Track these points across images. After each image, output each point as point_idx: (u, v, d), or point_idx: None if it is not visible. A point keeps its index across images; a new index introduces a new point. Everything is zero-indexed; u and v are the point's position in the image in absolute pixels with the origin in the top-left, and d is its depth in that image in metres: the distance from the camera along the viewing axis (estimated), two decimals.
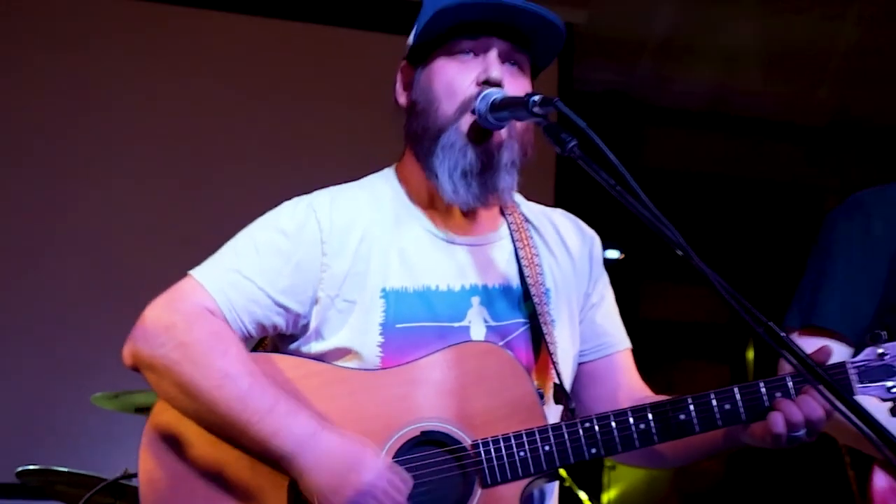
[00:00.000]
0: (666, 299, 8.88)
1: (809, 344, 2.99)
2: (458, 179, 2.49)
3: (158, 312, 2.47)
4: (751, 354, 8.65)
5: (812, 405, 2.36)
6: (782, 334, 2.17)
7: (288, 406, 2.36)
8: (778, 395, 2.40)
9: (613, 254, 8.42)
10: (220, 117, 7.21)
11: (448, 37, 2.51)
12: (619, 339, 2.78)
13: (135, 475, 3.94)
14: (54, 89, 6.97)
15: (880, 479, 3.07)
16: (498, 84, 2.47)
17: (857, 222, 3.29)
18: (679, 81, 8.64)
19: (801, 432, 2.36)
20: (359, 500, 2.30)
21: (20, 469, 5.03)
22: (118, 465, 4.90)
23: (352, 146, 5.83)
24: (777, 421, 2.35)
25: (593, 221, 7.97)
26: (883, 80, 7.79)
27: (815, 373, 2.17)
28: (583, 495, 5.88)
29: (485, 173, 2.50)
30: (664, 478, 8.11)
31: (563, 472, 5.63)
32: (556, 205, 7.69)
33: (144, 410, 4.89)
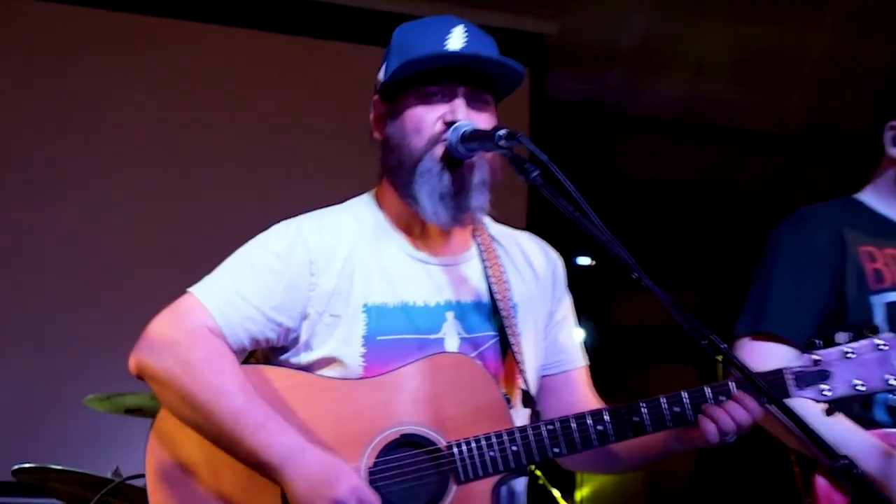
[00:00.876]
0: (638, 304, 8.91)
1: (760, 348, 3.31)
2: (437, 202, 2.69)
3: (162, 329, 2.65)
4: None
5: (739, 410, 2.57)
6: (723, 346, 2.40)
7: (277, 423, 2.56)
8: (722, 398, 2.60)
9: (585, 261, 8.52)
10: (205, 126, 7.35)
11: (417, 80, 2.70)
12: (577, 357, 3.01)
13: (138, 475, 4.13)
14: (42, 98, 7.09)
15: (822, 484, 3.25)
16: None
17: (802, 237, 3.46)
18: (650, 91, 8.71)
19: (730, 436, 2.57)
20: None
21: (16, 467, 5.09)
22: (110, 464, 5.02)
23: (339, 157, 5.99)
24: (708, 426, 2.57)
25: (568, 229, 8.20)
26: (852, 89, 7.81)
27: (754, 380, 2.42)
28: (556, 493, 6.04)
29: (459, 195, 2.69)
30: (635, 476, 8.17)
31: (537, 471, 5.83)
32: (531, 213, 7.84)
33: (135, 411, 5.12)
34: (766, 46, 8.22)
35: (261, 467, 2.57)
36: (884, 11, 7.77)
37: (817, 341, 2.69)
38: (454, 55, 2.71)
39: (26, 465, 5.09)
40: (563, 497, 6.09)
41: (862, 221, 3.51)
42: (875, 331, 2.68)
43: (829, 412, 2.65)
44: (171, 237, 7.14)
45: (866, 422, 3.26)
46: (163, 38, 7.43)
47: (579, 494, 8.08)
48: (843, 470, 2.31)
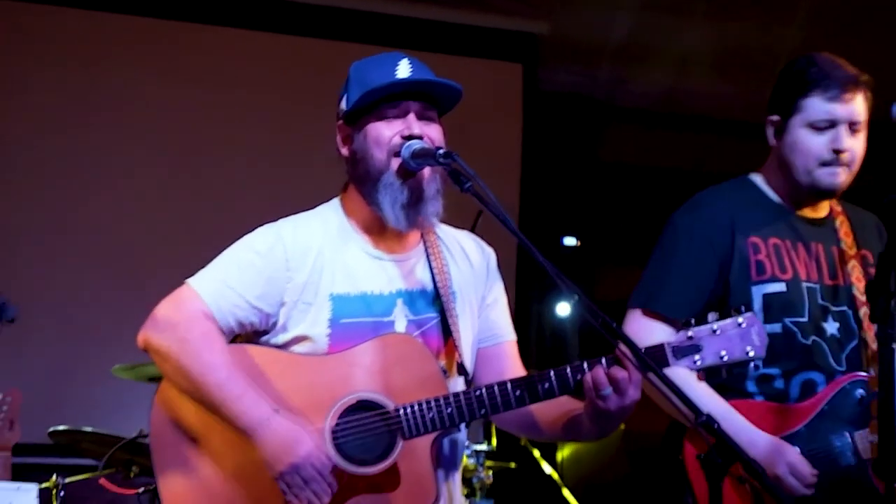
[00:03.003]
0: (619, 281, 9.16)
1: (647, 324, 3.69)
2: (399, 211, 3.16)
3: (165, 312, 3.13)
4: None
5: (616, 369, 2.96)
6: (613, 324, 2.84)
7: (252, 395, 3.02)
8: (614, 366, 2.96)
9: (571, 241, 8.85)
10: (219, 123, 7.77)
11: (375, 105, 3.19)
12: (506, 332, 3.44)
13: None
14: (71, 97, 7.53)
15: (689, 449, 3.62)
16: (419, 137, 3.16)
17: (698, 224, 3.76)
18: (636, 83, 8.96)
19: (608, 390, 2.95)
20: (293, 469, 2.97)
21: (51, 429, 5.49)
22: (135, 426, 5.39)
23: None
24: (586, 381, 2.98)
25: (555, 213, 8.92)
26: None
27: (638, 352, 2.90)
28: (537, 453, 6.39)
29: (417, 204, 3.18)
30: (614, 437, 8.15)
31: None
32: (521, 198, 8.30)
33: (157, 380, 5.05)
34: (743, 42, 8.45)
35: (238, 430, 3.02)
36: (850, 10, 8.02)
37: (692, 320, 3.04)
38: (405, 81, 3.18)
39: (60, 428, 5.49)
40: (543, 457, 6.51)
41: (753, 207, 3.79)
42: (738, 311, 3.03)
43: (700, 378, 3.06)
44: (190, 223, 7.56)
45: (738, 392, 3.68)
46: (182, 41, 7.85)
47: (560, 454, 8.28)
48: (705, 424, 2.72)
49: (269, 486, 3.06)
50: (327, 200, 3.42)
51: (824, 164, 3.70)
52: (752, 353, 3.03)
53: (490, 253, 3.49)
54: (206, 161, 7.83)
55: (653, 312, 3.72)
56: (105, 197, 7.60)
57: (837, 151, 3.68)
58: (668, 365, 3.02)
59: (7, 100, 7.52)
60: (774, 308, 3.70)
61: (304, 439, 3.02)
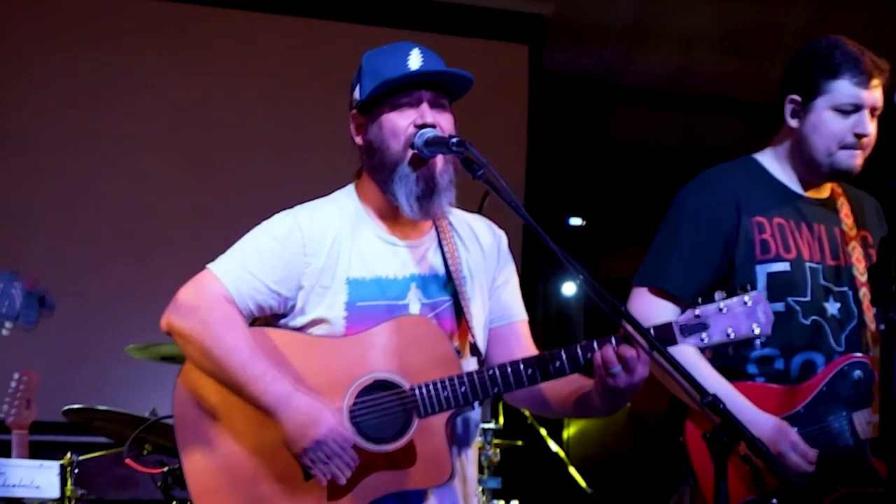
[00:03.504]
0: (623, 260, 9.16)
1: (653, 302, 3.74)
2: (413, 202, 3.24)
3: (187, 297, 3.21)
4: None
5: (625, 348, 3.02)
6: (621, 307, 2.90)
7: (273, 374, 3.10)
8: (623, 344, 3.03)
9: (577, 221, 8.93)
10: (235, 105, 7.84)
11: (389, 95, 3.26)
12: (517, 312, 3.50)
13: (167, 416, 4.55)
14: (95, 77, 7.61)
15: (690, 427, 3.72)
16: (432, 126, 3.23)
17: (705, 201, 3.81)
18: (641, 63, 9.00)
19: (617, 368, 3.02)
20: (316, 445, 3.04)
21: (66, 408, 5.53)
22: (147, 404, 5.56)
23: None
24: (596, 359, 3.05)
25: (561, 192, 8.96)
26: None
27: (645, 332, 2.96)
28: (543, 432, 6.44)
29: (431, 196, 3.25)
30: (620, 416, 8.24)
31: (525, 411, 6.38)
32: (527, 178, 8.36)
33: (168, 359, 5.40)
34: (748, 21, 8.48)
35: (261, 410, 3.11)
36: None
37: (699, 299, 3.10)
38: (418, 73, 3.25)
39: (74, 406, 5.54)
40: (550, 436, 6.57)
41: (758, 186, 3.84)
42: (745, 290, 3.09)
43: (707, 356, 3.16)
44: (205, 206, 7.65)
45: (739, 374, 3.73)
46: (201, 24, 7.95)
47: (566, 433, 8.36)
48: (711, 404, 2.79)
49: (289, 463, 3.15)
50: (343, 186, 3.49)
51: (845, 146, 3.76)
52: (758, 331, 3.10)
53: (501, 235, 3.56)
54: (223, 144, 7.90)
55: (659, 290, 3.77)
56: (120, 179, 7.67)
57: (859, 136, 3.76)
58: (675, 343, 3.09)
59: (27, 82, 7.59)
60: (777, 287, 3.75)
61: (325, 416, 3.10)
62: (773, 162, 3.92)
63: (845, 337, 3.81)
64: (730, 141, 9.06)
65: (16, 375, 5.21)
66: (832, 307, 3.80)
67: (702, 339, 3.11)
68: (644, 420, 8.57)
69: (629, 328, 3.02)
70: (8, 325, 3.03)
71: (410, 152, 3.24)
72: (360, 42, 7.57)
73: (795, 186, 3.90)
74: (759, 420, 3.62)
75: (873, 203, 4.02)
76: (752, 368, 3.77)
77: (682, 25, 8.61)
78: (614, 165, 9.10)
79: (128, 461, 5.25)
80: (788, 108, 3.83)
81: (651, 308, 3.73)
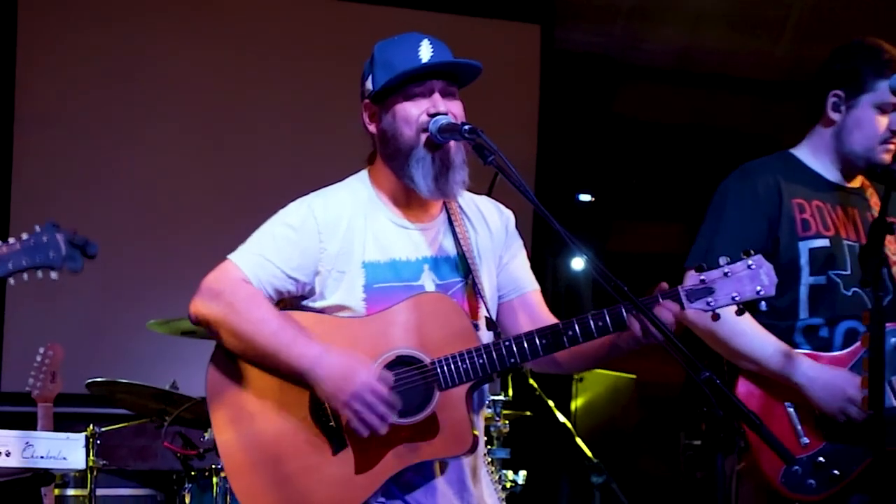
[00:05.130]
0: (631, 235, 9.38)
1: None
2: (431, 182, 3.35)
3: (210, 285, 3.32)
4: None
5: (663, 313, 3.17)
6: (625, 288, 3.03)
7: (304, 338, 3.22)
8: (633, 312, 3.18)
9: (586, 197, 9.06)
10: (255, 83, 7.97)
11: (401, 85, 3.38)
12: (528, 283, 3.62)
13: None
14: (114, 56, 7.75)
15: (742, 385, 3.91)
16: (444, 114, 3.35)
17: (747, 187, 4.00)
18: (650, 41, 9.06)
19: (652, 336, 3.14)
20: (355, 396, 3.13)
21: (89, 381, 5.72)
22: (168, 377, 5.77)
23: None
24: (635, 326, 3.18)
25: (571, 169, 9.06)
26: (835, 38, 7.96)
27: (647, 313, 3.09)
28: (551, 403, 6.55)
29: (447, 173, 3.37)
30: (627, 387, 8.51)
31: (534, 383, 6.47)
32: (538, 155, 8.40)
33: (188, 334, 5.51)
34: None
35: (295, 374, 3.22)
36: None
37: (704, 265, 3.25)
38: (430, 65, 3.38)
39: (98, 379, 5.72)
40: (558, 407, 6.68)
41: (796, 175, 4.05)
42: (748, 253, 3.25)
43: (738, 313, 3.28)
44: (226, 184, 7.78)
45: (787, 343, 3.90)
46: (224, 3, 8.09)
47: (574, 405, 8.41)
48: (707, 380, 2.92)
49: (317, 440, 3.29)
50: (358, 169, 3.61)
51: (882, 142, 3.99)
52: (762, 293, 3.25)
53: (508, 215, 3.68)
54: (244, 122, 8.00)
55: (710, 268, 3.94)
56: (142, 155, 7.77)
57: (895, 132, 3.99)
58: (682, 308, 3.24)
59: (49, 60, 7.70)
60: (819, 261, 3.96)
61: (359, 368, 3.20)
62: (808, 155, 4.13)
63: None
64: (737, 118, 9.32)
65: (41, 350, 5.32)
66: None
67: (708, 304, 3.25)
68: (650, 390, 8.82)
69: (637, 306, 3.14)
70: (55, 271, 3.21)
71: (424, 136, 3.37)
72: (375, 22, 7.76)
73: (831, 176, 4.11)
74: (815, 375, 3.83)
75: None
76: (798, 337, 3.95)
77: (690, 4, 8.69)
78: (624, 142, 9.19)
79: (166, 444, 5.47)
80: (831, 101, 4.04)
81: None
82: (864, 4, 8.15)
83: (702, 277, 3.25)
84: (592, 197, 9.08)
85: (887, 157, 4.01)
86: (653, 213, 8.79)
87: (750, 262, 3.26)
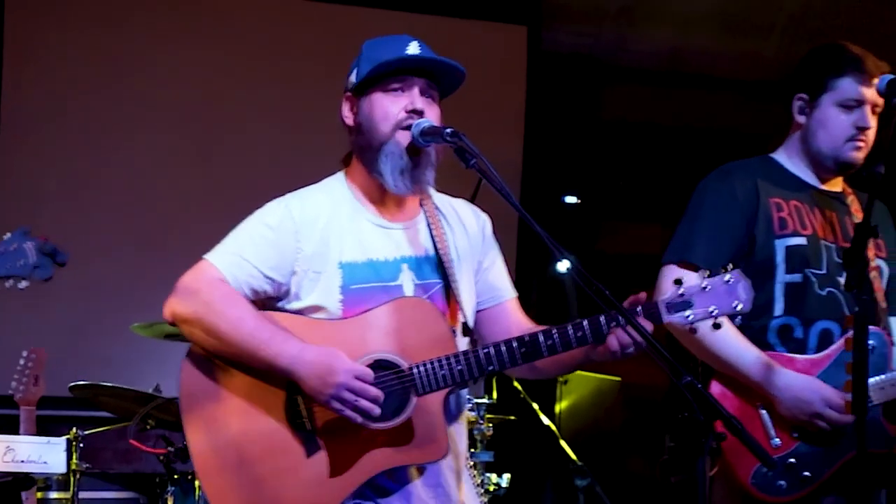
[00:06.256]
0: (618, 237, 9.30)
1: (680, 273, 3.81)
2: (398, 176, 3.35)
3: (186, 284, 3.30)
4: None
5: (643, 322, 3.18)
6: (606, 292, 3.03)
7: (282, 335, 3.19)
8: (613, 324, 3.20)
9: (572, 199, 9.04)
10: (246, 84, 7.95)
11: (383, 79, 3.39)
12: (506, 291, 3.62)
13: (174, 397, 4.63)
14: (106, 57, 7.73)
15: (715, 387, 3.94)
16: (421, 112, 3.36)
17: (725, 185, 4.06)
18: (638, 43, 9.03)
19: (631, 349, 3.19)
20: (340, 387, 3.11)
21: (72, 384, 5.66)
22: (151, 381, 5.79)
23: None
24: (612, 342, 3.20)
25: (558, 170, 9.01)
26: (824, 40, 7.96)
27: (625, 313, 3.11)
28: (535, 406, 6.54)
29: (415, 170, 3.37)
30: (611, 390, 8.41)
31: (518, 385, 6.44)
32: (525, 156, 8.38)
33: (173, 337, 5.43)
34: (745, 1, 8.57)
35: (274, 372, 3.19)
36: None
37: (683, 279, 3.29)
38: (414, 57, 3.39)
39: (81, 382, 5.68)
40: (542, 410, 6.66)
41: (774, 176, 4.10)
42: (726, 269, 3.28)
43: (715, 327, 3.30)
44: (212, 185, 7.75)
45: (760, 345, 3.93)
46: (216, 4, 8.07)
47: (558, 407, 8.30)
48: (689, 385, 2.92)
49: (291, 442, 3.26)
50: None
51: (849, 139, 4.03)
52: (739, 307, 3.29)
53: (485, 219, 3.68)
54: (231, 125, 7.99)
55: (688, 264, 3.95)
56: (127, 157, 7.74)
57: (862, 129, 4.03)
58: (661, 321, 3.28)
59: (40, 61, 7.66)
60: (795, 259, 3.98)
61: (339, 360, 3.18)
62: (786, 159, 4.18)
63: None
64: (725, 119, 9.26)
65: (24, 353, 5.27)
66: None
67: (686, 317, 3.28)
68: (634, 392, 8.77)
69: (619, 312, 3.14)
70: (24, 279, 3.16)
71: (402, 135, 3.37)
72: (362, 24, 7.73)
73: (809, 180, 4.16)
74: (791, 382, 3.85)
75: (882, 205, 4.23)
76: (772, 338, 3.98)
77: (677, 6, 8.68)
78: (611, 144, 9.16)
79: (132, 441, 5.45)
80: (797, 105, 4.11)
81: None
82: (852, 6, 8.15)
83: (681, 291, 3.29)
84: (579, 199, 9.09)
85: (856, 155, 4.06)
86: (642, 215, 8.75)
87: (727, 277, 3.29)
